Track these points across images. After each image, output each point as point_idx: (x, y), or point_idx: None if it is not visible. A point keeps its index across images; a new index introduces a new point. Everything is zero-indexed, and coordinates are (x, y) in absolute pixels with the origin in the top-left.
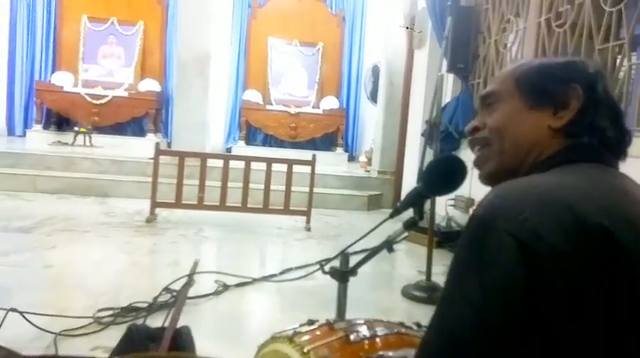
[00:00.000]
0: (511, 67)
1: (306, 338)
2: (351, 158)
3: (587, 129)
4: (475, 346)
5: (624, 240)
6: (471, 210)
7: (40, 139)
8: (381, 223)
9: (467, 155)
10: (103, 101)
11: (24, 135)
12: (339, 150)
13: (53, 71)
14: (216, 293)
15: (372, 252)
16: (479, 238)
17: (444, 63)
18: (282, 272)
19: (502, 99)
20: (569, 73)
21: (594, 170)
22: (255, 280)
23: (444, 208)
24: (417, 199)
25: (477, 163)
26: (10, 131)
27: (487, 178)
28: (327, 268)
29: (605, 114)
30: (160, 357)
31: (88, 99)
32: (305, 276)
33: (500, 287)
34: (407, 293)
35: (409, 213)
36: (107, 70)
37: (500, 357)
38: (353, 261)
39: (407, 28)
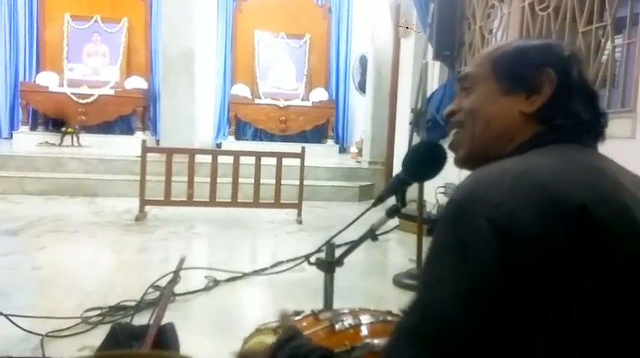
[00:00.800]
0: (488, 50)
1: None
2: (342, 149)
3: (561, 113)
4: (458, 327)
5: (601, 216)
6: None
7: (27, 141)
8: (363, 212)
9: (449, 141)
10: (89, 100)
11: (10, 137)
12: (330, 142)
13: (38, 71)
14: (207, 288)
15: (357, 242)
16: (455, 222)
17: (430, 50)
18: (273, 266)
19: (478, 83)
20: (543, 56)
21: (570, 150)
22: (244, 275)
23: (434, 196)
24: (398, 186)
25: (452, 147)
26: None
27: (461, 162)
28: (313, 259)
29: (580, 97)
30: (140, 355)
31: (74, 98)
32: (292, 268)
33: (478, 271)
34: (398, 281)
35: (393, 201)
36: (92, 68)
37: (483, 339)
38: (341, 252)
39: (406, 28)
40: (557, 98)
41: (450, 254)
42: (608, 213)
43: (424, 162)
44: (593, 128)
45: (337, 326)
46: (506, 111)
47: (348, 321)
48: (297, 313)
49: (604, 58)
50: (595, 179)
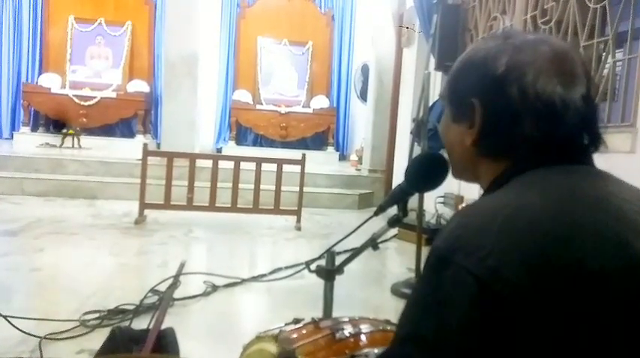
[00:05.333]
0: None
1: (291, 336)
2: (342, 157)
3: (511, 144)
4: None
5: (595, 267)
6: (460, 207)
7: (27, 142)
8: (365, 221)
9: None
10: (91, 102)
11: (11, 137)
12: (330, 149)
13: (40, 73)
14: (205, 294)
15: (358, 251)
16: (437, 274)
17: (432, 61)
18: (271, 272)
19: (445, 105)
20: (473, 82)
21: (557, 176)
22: (243, 280)
23: (434, 205)
24: (400, 196)
25: None
26: None
27: (455, 178)
28: (313, 267)
29: (525, 118)
30: None
31: (76, 100)
32: (291, 275)
33: (456, 329)
34: (396, 290)
35: (395, 210)
36: (95, 71)
37: None
38: (341, 260)
39: (407, 28)
40: (493, 128)
41: (428, 308)
42: (599, 257)
43: (426, 173)
44: (568, 143)
45: (337, 335)
46: (456, 139)
47: (348, 330)
48: (298, 320)
49: (605, 72)
50: (590, 217)
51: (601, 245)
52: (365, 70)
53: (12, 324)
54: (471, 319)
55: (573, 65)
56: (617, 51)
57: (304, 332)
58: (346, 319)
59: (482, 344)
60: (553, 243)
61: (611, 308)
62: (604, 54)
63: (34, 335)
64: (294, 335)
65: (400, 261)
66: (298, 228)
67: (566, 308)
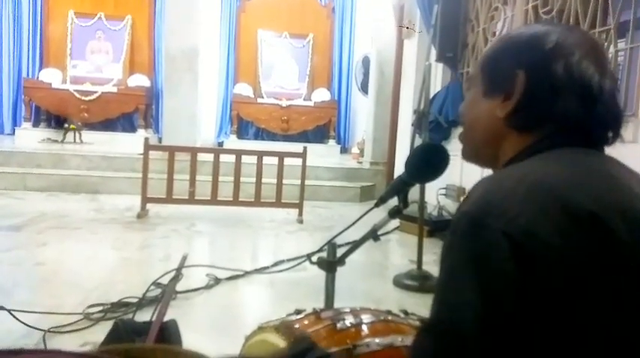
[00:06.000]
0: (488, 46)
1: (293, 327)
2: (344, 150)
3: (541, 118)
4: (475, 346)
5: (616, 227)
6: (462, 199)
7: (29, 137)
8: (366, 213)
9: (457, 144)
10: (92, 97)
11: (13, 133)
12: (332, 142)
13: (41, 68)
14: (208, 287)
15: (359, 242)
16: (472, 237)
17: (433, 52)
18: (273, 265)
19: (472, 85)
20: (519, 54)
21: (577, 155)
22: (245, 273)
23: (435, 197)
24: (401, 187)
25: (460, 140)
26: None
27: (462, 157)
28: (314, 258)
29: (567, 95)
30: (145, 349)
31: (77, 95)
32: (293, 267)
33: (497, 287)
34: (398, 282)
35: (396, 202)
36: (95, 65)
37: (499, 356)
38: (342, 251)
39: (407, 28)
40: (532, 101)
41: (466, 272)
42: (621, 223)
43: (427, 163)
44: (596, 127)
45: (339, 325)
46: (486, 113)
47: (350, 320)
48: (299, 311)
49: None
50: (605, 188)
51: (622, 214)
52: (366, 62)
53: (16, 318)
54: (510, 277)
55: (605, 59)
56: (619, 41)
57: (306, 322)
58: (347, 310)
59: (522, 301)
60: (578, 203)
61: (625, 263)
62: (606, 43)
63: (38, 329)
64: (296, 326)
65: (402, 252)
66: (300, 221)
67: (595, 263)
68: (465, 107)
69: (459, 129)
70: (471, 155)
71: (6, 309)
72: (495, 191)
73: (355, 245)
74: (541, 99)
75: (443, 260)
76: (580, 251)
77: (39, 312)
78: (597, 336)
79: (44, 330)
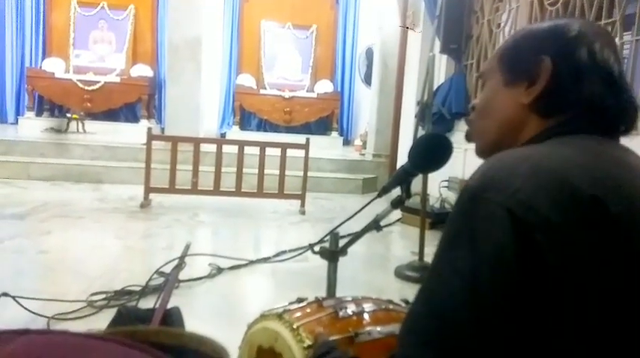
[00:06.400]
0: (503, 41)
1: (295, 315)
2: (346, 142)
3: (567, 103)
4: (465, 318)
5: (616, 211)
6: None
7: (32, 126)
8: (368, 203)
9: (460, 136)
10: (94, 87)
11: (16, 122)
12: (334, 134)
13: (44, 57)
14: (210, 276)
15: (361, 232)
16: (470, 209)
17: (437, 44)
18: (275, 255)
19: (489, 77)
20: (542, 42)
21: (589, 141)
22: (248, 263)
23: (438, 189)
24: (403, 177)
25: (468, 138)
26: (2, 118)
27: (479, 154)
28: (316, 248)
29: (593, 79)
30: (150, 331)
31: (80, 85)
32: (294, 257)
33: (491, 259)
34: (400, 273)
35: (398, 192)
36: (98, 55)
37: (490, 330)
38: (344, 242)
39: (407, 28)
40: (558, 86)
41: (462, 242)
42: (623, 206)
43: (430, 153)
44: (616, 112)
45: (340, 314)
46: (508, 103)
47: (351, 309)
48: (301, 300)
49: None
50: (612, 171)
51: (624, 194)
52: (369, 53)
53: (21, 305)
54: (506, 250)
55: (618, 52)
56: (624, 33)
57: (308, 310)
58: (349, 298)
59: (516, 274)
60: (579, 184)
61: (634, 253)
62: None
63: (43, 316)
64: (298, 314)
65: (404, 244)
66: (302, 213)
67: (593, 244)
68: (483, 100)
69: (462, 122)
70: (492, 149)
71: (10, 296)
72: (499, 168)
73: (357, 235)
74: (567, 84)
75: (444, 232)
76: (580, 231)
77: (43, 299)
78: (593, 315)
79: (48, 317)
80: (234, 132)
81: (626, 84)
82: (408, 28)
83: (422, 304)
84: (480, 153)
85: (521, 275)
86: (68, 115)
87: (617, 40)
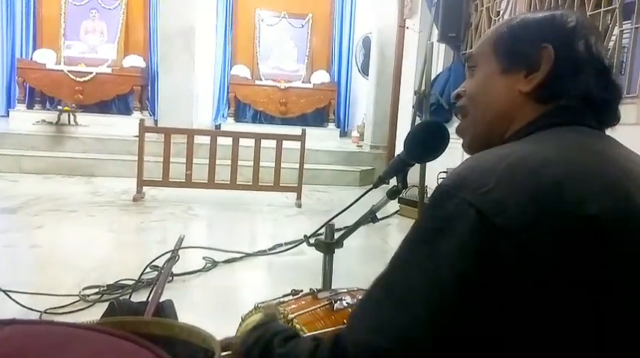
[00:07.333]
0: (493, 28)
1: (290, 307)
2: (343, 133)
3: (565, 91)
4: (423, 313)
5: (595, 210)
6: None
7: (23, 119)
8: (364, 193)
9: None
10: (86, 78)
11: (7, 114)
12: (331, 125)
13: (35, 48)
14: (205, 269)
15: (357, 223)
16: (440, 206)
17: (435, 32)
18: (271, 248)
19: (480, 64)
20: (543, 31)
21: (573, 133)
22: (242, 256)
23: (436, 181)
24: (400, 166)
25: (458, 133)
26: None
27: (468, 148)
28: (312, 240)
29: (588, 71)
30: (141, 322)
31: (71, 76)
32: (290, 249)
33: (454, 257)
34: None
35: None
36: (90, 46)
37: (446, 328)
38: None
39: (407, 28)
40: (557, 75)
41: (429, 237)
42: (600, 203)
43: (426, 142)
44: (605, 105)
45: (336, 305)
46: (505, 91)
47: (347, 300)
48: (296, 292)
49: (611, 43)
50: (593, 167)
51: (603, 192)
52: (366, 43)
53: (12, 299)
54: (468, 248)
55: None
56: (624, 22)
57: (303, 302)
58: (344, 290)
59: (477, 275)
60: (554, 184)
61: (606, 254)
62: (610, 24)
63: (35, 310)
64: (293, 306)
65: (401, 237)
66: (298, 205)
67: (563, 245)
68: (476, 87)
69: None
70: (480, 141)
71: (2, 290)
72: (475, 166)
73: (353, 226)
74: (566, 73)
75: (413, 225)
76: (553, 232)
77: (35, 293)
78: (557, 318)
79: (41, 311)
80: (229, 124)
81: (615, 78)
82: (407, 27)
83: (380, 291)
84: (468, 148)
85: (481, 277)
86: (60, 107)
87: (616, 28)
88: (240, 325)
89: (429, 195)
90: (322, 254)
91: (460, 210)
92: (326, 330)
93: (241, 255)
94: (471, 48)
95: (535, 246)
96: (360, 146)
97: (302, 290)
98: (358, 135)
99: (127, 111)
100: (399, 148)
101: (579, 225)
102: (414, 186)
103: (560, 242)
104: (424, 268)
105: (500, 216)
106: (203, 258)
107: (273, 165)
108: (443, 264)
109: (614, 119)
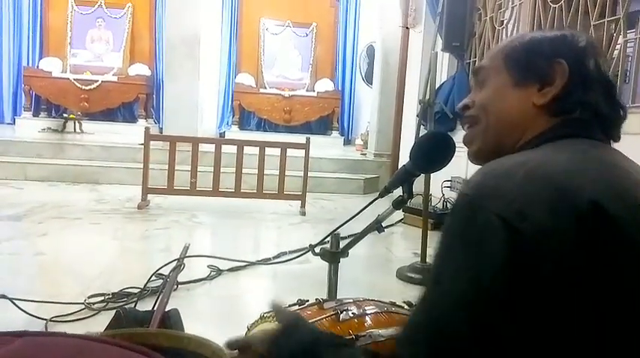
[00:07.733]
0: (503, 43)
1: None
2: (347, 141)
3: (577, 105)
4: (464, 331)
5: (615, 213)
6: None
7: (29, 126)
8: (370, 203)
9: (463, 135)
10: (92, 86)
11: (13, 122)
12: (335, 133)
13: (41, 57)
14: (210, 278)
15: (362, 233)
16: (466, 219)
17: (439, 41)
18: (276, 257)
19: (491, 76)
20: (556, 47)
21: (583, 145)
22: (247, 264)
23: (440, 190)
24: (405, 177)
25: (465, 142)
26: None
27: (474, 157)
28: (317, 250)
29: (597, 89)
30: (149, 334)
31: (77, 84)
32: (296, 258)
33: (487, 269)
34: (402, 275)
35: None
36: (96, 54)
37: (487, 340)
38: (346, 243)
39: (407, 28)
40: (570, 90)
41: (459, 251)
42: (621, 209)
43: (432, 152)
44: (611, 122)
45: (342, 316)
46: (519, 103)
47: (353, 311)
48: (302, 302)
49: (615, 52)
50: (609, 175)
51: (619, 199)
52: (370, 51)
53: (18, 307)
54: (500, 260)
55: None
56: (628, 31)
57: (308, 312)
58: (350, 300)
59: (508, 284)
60: (572, 190)
61: (624, 256)
62: (614, 34)
63: (40, 318)
64: None
65: (406, 245)
66: (303, 213)
67: (587, 248)
68: (487, 99)
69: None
70: (489, 151)
71: (8, 298)
72: (494, 175)
73: (359, 236)
74: (577, 89)
75: (440, 241)
76: (575, 237)
77: (41, 301)
78: (591, 322)
79: (46, 319)
80: (234, 132)
81: (619, 98)
82: (408, 28)
83: (420, 313)
84: (475, 157)
85: (517, 286)
86: (65, 115)
87: (621, 37)
88: (245, 334)
89: (432, 204)
90: (327, 263)
91: (487, 221)
92: None
93: (246, 263)
94: (475, 57)
95: (560, 252)
96: (364, 154)
97: (308, 300)
98: (362, 143)
99: (132, 119)
100: (403, 156)
101: (597, 227)
102: (418, 194)
103: (581, 245)
104: (461, 285)
105: (525, 224)
106: (208, 267)
107: (278, 173)
108: (478, 278)
109: (617, 136)
